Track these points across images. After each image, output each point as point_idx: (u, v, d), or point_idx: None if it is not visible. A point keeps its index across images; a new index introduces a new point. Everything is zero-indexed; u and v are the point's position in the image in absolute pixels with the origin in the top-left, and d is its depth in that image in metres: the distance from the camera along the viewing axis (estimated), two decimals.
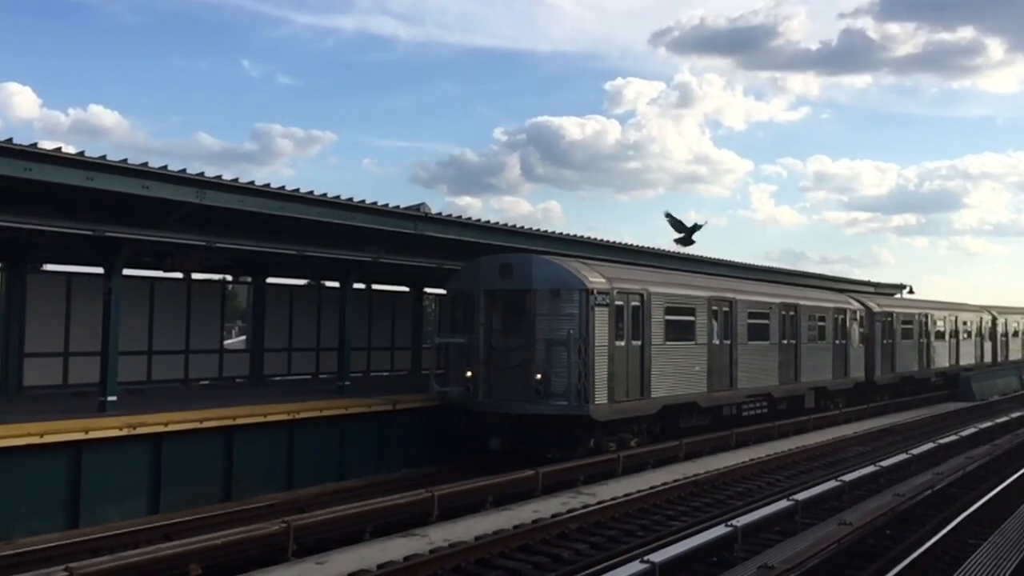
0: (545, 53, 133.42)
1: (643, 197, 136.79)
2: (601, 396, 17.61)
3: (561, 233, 22.92)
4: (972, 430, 23.45)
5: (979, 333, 43.51)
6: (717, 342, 21.94)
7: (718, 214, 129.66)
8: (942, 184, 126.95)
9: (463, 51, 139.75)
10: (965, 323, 41.62)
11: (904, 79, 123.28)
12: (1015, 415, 28.17)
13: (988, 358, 44.47)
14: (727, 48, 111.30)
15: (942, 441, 20.94)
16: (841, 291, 33.23)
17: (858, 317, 30.77)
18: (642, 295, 19.10)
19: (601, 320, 17.68)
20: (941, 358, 38.35)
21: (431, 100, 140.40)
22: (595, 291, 17.57)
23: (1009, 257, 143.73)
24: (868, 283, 42.19)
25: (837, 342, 29.00)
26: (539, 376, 17.34)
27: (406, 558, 10.79)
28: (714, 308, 21.94)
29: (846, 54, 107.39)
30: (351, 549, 11.42)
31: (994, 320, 46.08)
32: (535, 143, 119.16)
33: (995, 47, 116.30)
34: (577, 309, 17.41)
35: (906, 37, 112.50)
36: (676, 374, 20.17)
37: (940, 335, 38.28)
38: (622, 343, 18.30)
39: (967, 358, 41.23)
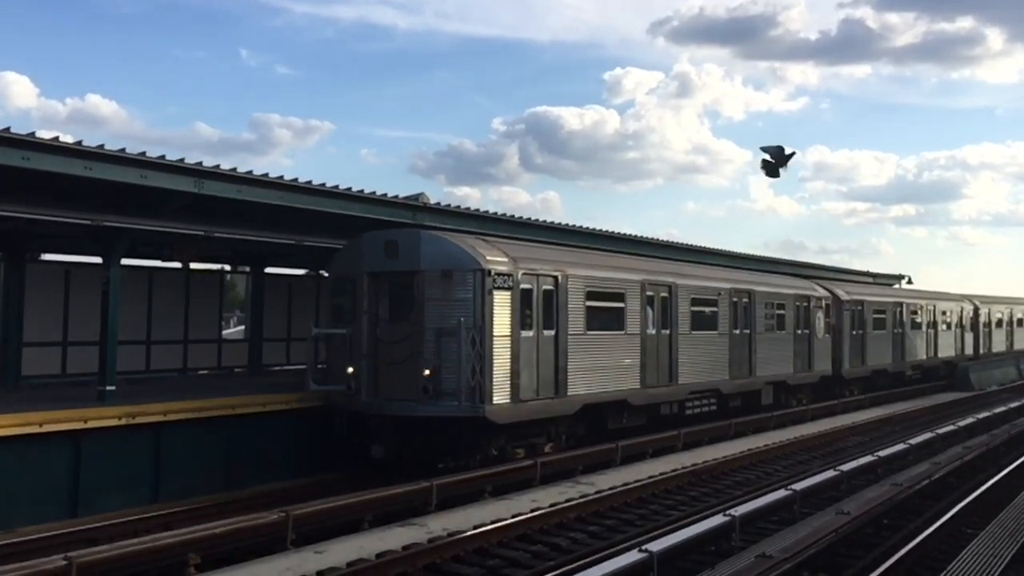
0: (544, 43, 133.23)
1: (642, 187, 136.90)
2: (501, 395, 15.39)
3: (562, 224, 22.88)
4: (970, 420, 23.52)
5: (960, 324, 41.50)
6: (653, 332, 19.72)
7: (717, 204, 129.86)
8: (941, 174, 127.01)
9: (462, 40, 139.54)
10: (944, 313, 39.48)
11: (903, 69, 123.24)
12: (1013, 405, 28.24)
13: (970, 350, 42.53)
14: (726, 38, 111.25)
15: (940, 431, 20.99)
16: (808, 277, 31.19)
17: (824, 305, 28.64)
18: (556, 277, 16.86)
19: (502, 306, 15.48)
20: (917, 350, 36.40)
21: (430, 90, 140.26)
22: (494, 272, 15.36)
23: (1008, 248, 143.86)
24: (868, 273, 42.19)
25: (799, 332, 26.78)
26: (427, 372, 15.11)
27: (405, 547, 10.83)
28: (649, 293, 19.66)
29: (845, 44, 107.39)
30: (350, 538, 11.47)
31: (976, 310, 43.87)
32: (534, 133, 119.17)
33: (994, 37, 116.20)
34: (471, 293, 15.19)
35: (905, 27, 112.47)
36: (600, 368, 17.94)
37: (916, 325, 36.33)
38: (530, 333, 16.14)
39: (946, 350, 39.26)
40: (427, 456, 15.56)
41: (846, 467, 15.64)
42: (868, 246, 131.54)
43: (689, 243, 28.83)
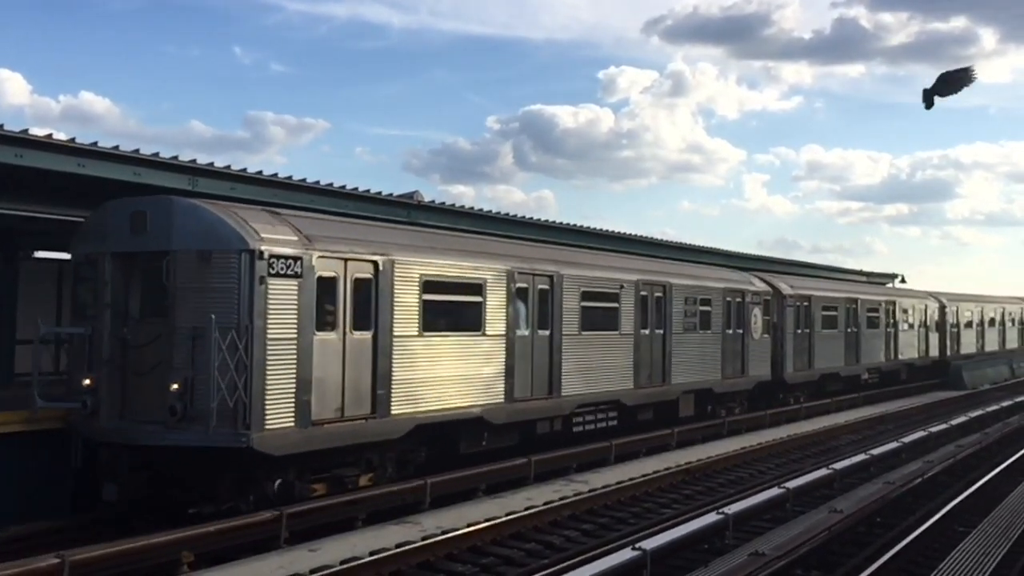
0: (539, 41, 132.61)
1: (637, 186, 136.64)
2: (280, 417, 11.70)
3: (555, 222, 22.85)
4: (963, 419, 23.62)
5: (923, 323, 37.99)
6: (525, 333, 16.22)
7: (711, 203, 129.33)
8: (934, 174, 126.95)
9: (456, 38, 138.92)
10: (906, 311, 36.01)
11: (897, 69, 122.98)
12: (1005, 404, 28.37)
13: (935, 352, 39.04)
14: (720, 37, 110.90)
15: (933, 430, 21.08)
16: (745, 270, 26.79)
17: (762, 301, 24.79)
18: (376, 263, 13.28)
19: (283, 298, 11.86)
20: (875, 352, 32.85)
21: (424, 88, 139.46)
22: (269, 253, 11.70)
23: (1002, 247, 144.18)
24: (860, 272, 42.28)
25: (729, 332, 22.91)
26: (175, 386, 11.42)
27: (398, 545, 10.82)
28: (521, 285, 16.17)
29: (839, 43, 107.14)
30: (343, 537, 11.47)
31: (942, 308, 40.06)
32: (528, 132, 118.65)
33: (988, 37, 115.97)
34: (236, 280, 11.53)
35: (899, 26, 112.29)
36: (444, 379, 14.37)
37: (874, 324, 32.76)
38: (332, 335, 12.56)
39: (908, 351, 35.90)
40: (177, 499, 11.90)
41: (839, 465, 15.71)
42: (862, 245, 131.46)
43: (677, 240, 28.38)
